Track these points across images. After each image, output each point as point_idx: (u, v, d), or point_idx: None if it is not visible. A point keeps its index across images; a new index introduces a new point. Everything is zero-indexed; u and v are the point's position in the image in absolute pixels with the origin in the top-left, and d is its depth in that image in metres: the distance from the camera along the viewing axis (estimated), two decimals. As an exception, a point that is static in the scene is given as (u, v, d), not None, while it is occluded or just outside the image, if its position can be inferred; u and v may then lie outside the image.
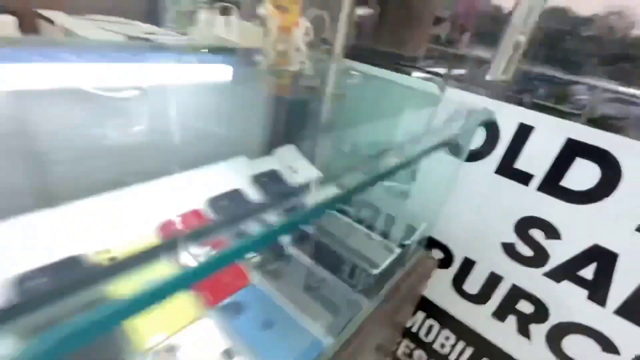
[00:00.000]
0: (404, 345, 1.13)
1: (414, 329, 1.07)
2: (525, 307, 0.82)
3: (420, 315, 1.05)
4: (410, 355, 1.12)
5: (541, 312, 0.79)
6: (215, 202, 0.60)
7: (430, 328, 1.03)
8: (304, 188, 0.68)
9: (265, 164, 0.76)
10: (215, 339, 0.44)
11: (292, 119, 0.93)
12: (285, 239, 0.64)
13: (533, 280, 0.78)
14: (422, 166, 0.89)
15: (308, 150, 0.92)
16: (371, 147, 0.94)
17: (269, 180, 0.70)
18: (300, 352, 0.45)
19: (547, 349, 0.81)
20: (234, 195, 0.64)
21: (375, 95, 0.94)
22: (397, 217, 0.83)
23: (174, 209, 0.58)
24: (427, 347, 1.06)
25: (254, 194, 0.67)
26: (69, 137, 0.52)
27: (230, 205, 0.61)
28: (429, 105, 0.84)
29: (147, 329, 0.41)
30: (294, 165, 0.79)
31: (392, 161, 0.94)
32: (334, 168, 0.93)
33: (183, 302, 0.46)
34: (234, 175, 0.69)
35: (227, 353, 0.42)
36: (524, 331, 0.84)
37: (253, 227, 0.57)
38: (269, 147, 0.86)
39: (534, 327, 0.82)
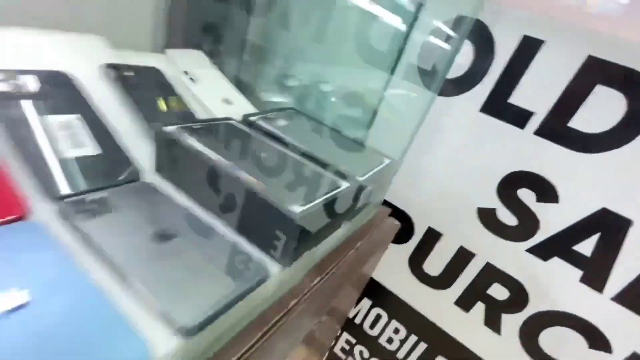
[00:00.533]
0: (344, 339, 0.91)
1: (357, 320, 0.86)
2: (498, 292, 0.64)
3: (366, 303, 0.83)
4: (349, 352, 0.91)
5: (518, 298, 0.62)
6: None
7: (377, 319, 0.83)
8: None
9: (141, 59, 0.46)
10: None
11: (208, 17, 0.63)
12: (139, 154, 0.35)
13: (513, 257, 0.60)
14: (382, 104, 0.66)
15: (228, 68, 0.63)
16: (313, 75, 0.69)
17: (137, 77, 0.41)
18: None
19: (520, 344, 0.64)
20: (49, 79, 0.34)
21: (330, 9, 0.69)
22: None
23: None
24: (371, 341, 0.85)
25: (98, 89, 0.38)
26: None
27: (13, 95, 0.31)
28: (402, 17, 0.61)
29: None
30: (195, 72, 0.50)
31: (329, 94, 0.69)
32: (261, 95, 0.66)
33: None
34: (69, 54, 0.39)
35: None
36: (493, 323, 0.66)
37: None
38: (161, 46, 0.57)
39: (506, 318, 0.64)
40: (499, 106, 0.55)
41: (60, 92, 0.34)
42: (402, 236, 0.72)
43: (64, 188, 0.28)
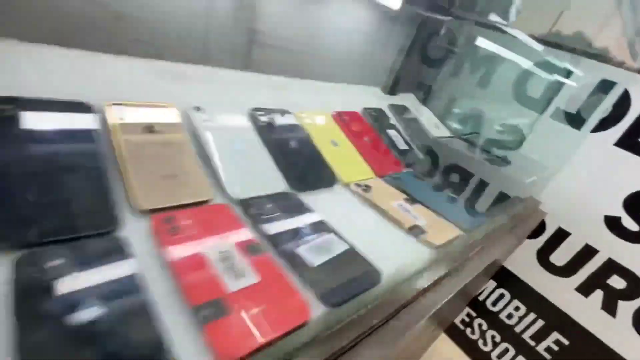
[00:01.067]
0: (465, 313, 1.16)
1: (480, 297, 1.11)
2: (616, 282, 0.84)
3: (491, 284, 1.08)
4: (469, 324, 1.15)
5: (634, 288, 0.81)
6: (368, 111, 0.69)
7: (499, 297, 1.06)
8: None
9: (395, 100, 0.83)
10: (394, 192, 0.52)
11: (418, 71, 1.00)
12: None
13: (633, 255, 0.80)
14: (533, 134, 0.93)
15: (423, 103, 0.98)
16: (477, 110, 1.00)
17: (403, 111, 0.78)
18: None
19: (632, 326, 0.82)
20: (380, 112, 0.72)
21: (504, 66, 0.99)
22: (490, 184, 0.87)
23: (335, 105, 0.67)
24: (491, 316, 1.08)
25: (393, 118, 0.75)
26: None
27: (380, 118, 0.70)
28: (559, 75, 0.88)
29: (346, 174, 0.50)
30: (418, 108, 0.86)
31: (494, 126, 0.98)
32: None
33: (363, 165, 0.55)
34: (374, 99, 0.77)
35: (409, 200, 0.50)
36: (609, 307, 0.85)
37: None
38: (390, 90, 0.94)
39: (621, 304, 0.83)
40: (631, 142, 0.78)
41: (383, 118, 0.71)
42: (534, 233, 0.96)
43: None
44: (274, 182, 0.41)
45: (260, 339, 0.23)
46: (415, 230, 0.42)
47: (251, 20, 0.57)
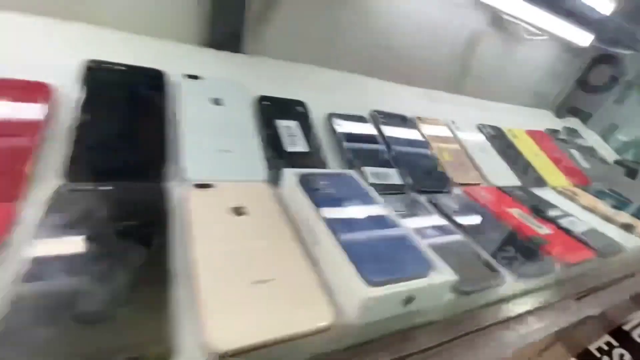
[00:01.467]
0: (603, 341, 1.14)
1: (625, 327, 1.09)
2: None
3: (642, 315, 1.05)
4: (607, 352, 1.13)
5: None
6: (550, 131, 0.81)
7: (651, 330, 1.04)
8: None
9: (564, 123, 0.92)
10: (594, 198, 0.63)
11: (581, 97, 1.07)
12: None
13: None
14: None
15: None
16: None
17: (575, 133, 0.87)
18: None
19: None
20: (559, 133, 0.83)
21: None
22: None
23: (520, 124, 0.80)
24: (637, 348, 1.06)
25: (568, 138, 0.85)
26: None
27: (560, 138, 0.81)
28: None
29: (551, 179, 0.64)
30: (585, 131, 0.93)
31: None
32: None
33: (560, 174, 0.68)
34: (548, 120, 0.88)
35: (608, 205, 0.61)
36: None
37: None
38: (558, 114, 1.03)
39: None
40: None
41: (562, 138, 0.82)
42: None
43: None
44: (512, 177, 0.57)
45: (573, 259, 0.40)
46: (627, 226, 0.53)
47: (469, 58, 0.75)
